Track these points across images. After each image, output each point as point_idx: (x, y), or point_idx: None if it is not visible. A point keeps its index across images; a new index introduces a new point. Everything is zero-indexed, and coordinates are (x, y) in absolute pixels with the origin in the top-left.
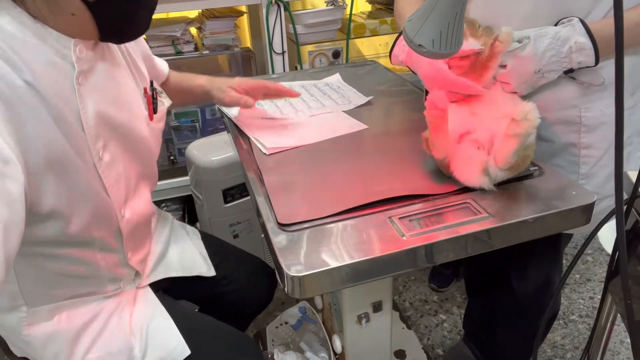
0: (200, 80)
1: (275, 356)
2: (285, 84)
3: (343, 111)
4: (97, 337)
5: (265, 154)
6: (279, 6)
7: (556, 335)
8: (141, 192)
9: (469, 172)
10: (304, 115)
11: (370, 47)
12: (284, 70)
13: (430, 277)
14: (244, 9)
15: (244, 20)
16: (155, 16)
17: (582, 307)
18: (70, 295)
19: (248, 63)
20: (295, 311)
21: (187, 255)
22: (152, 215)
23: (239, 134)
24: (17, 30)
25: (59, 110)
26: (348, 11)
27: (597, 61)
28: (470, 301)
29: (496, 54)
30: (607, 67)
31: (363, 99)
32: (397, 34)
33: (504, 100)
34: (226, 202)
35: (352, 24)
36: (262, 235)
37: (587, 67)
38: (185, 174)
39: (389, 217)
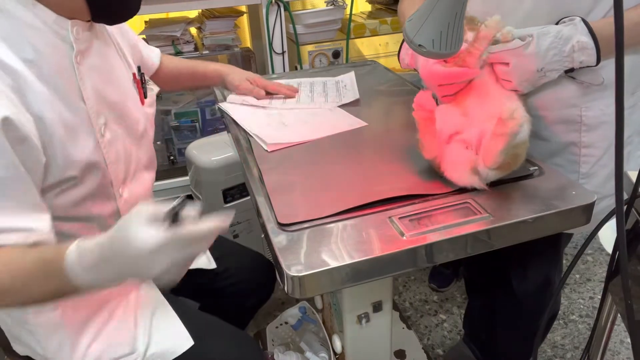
0: (216, 66)
1: (275, 356)
2: (295, 81)
3: (338, 107)
4: (101, 328)
5: (266, 150)
6: (279, 6)
7: (556, 335)
8: (140, 176)
9: (458, 172)
10: (288, 106)
11: (370, 47)
12: (284, 70)
13: (430, 277)
14: (244, 9)
15: (244, 20)
16: (155, 16)
17: (582, 307)
18: None
19: (248, 63)
20: (295, 311)
21: None
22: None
23: (239, 134)
24: (22, 12)
25: (62, 87)
26: (348, 11)
27: (598, 61)
28: (470, 301)
29: (480, 38)
30: (607, 67)
31: (352, 98)
32: (399, 34)
33: (499, 98)
34: (226, 202)
35: (352, 24)
36: (262, 235)
37: (587, 66)
38: (185, 174)
39: (389, 217)
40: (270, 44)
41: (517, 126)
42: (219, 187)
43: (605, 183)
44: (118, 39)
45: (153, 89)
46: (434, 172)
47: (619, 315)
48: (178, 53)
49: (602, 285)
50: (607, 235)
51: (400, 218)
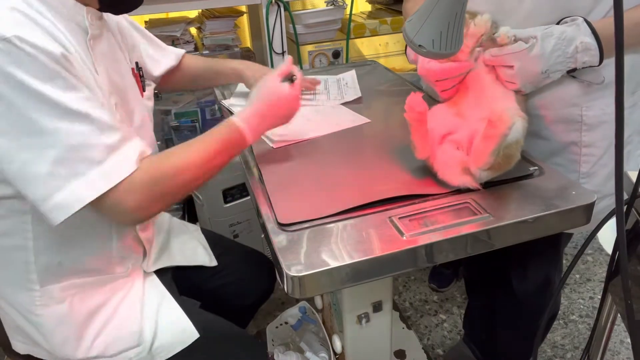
0: (232, 63)
1: (275, 356)
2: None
3: (341, 104)
4: (107, 321)
5: (272, 147)
6: (279, 6)
7: (556, 335)
8: None
9: (450, 173)
10: None
11: (370, 47)
12: None
13: (430, 277)
14: (244, 9)
15: (244, 20)
16: (155, 16)
17: (582, 307)
18: (80, 268)
19: None
20: (295, 311)
21: (188, 246)
22: None
23: None
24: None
25: (87, 66)
26: (348, 11)
27: (601, 61)
28: (470, 301)
29: (469, 35)
30: (608, 66)
31: (354, 95)
32: (399, 34)
33: (494, 98)
34: (226, 202)
35: (352, 24)
36: (262, 235)
37: (590, 66)
38: None
39: (389, 217)
40: (270, 44)
41: (506, 128)
42: (219, 187)
43: (606, 182)
44: (118, 37)
45: (150, 84)
46: (433, 173)
47: (619, 315)
48: None
49: (602, 285)
50: (607, 236)
51: (400, 218)
